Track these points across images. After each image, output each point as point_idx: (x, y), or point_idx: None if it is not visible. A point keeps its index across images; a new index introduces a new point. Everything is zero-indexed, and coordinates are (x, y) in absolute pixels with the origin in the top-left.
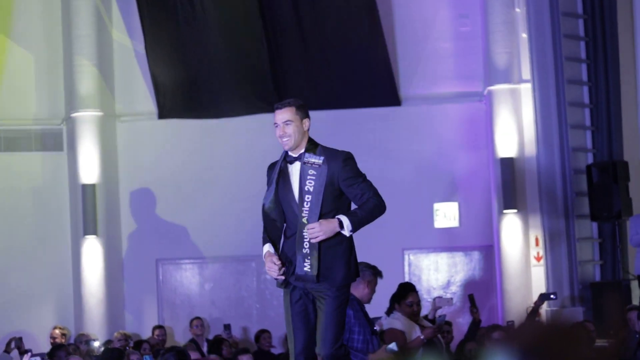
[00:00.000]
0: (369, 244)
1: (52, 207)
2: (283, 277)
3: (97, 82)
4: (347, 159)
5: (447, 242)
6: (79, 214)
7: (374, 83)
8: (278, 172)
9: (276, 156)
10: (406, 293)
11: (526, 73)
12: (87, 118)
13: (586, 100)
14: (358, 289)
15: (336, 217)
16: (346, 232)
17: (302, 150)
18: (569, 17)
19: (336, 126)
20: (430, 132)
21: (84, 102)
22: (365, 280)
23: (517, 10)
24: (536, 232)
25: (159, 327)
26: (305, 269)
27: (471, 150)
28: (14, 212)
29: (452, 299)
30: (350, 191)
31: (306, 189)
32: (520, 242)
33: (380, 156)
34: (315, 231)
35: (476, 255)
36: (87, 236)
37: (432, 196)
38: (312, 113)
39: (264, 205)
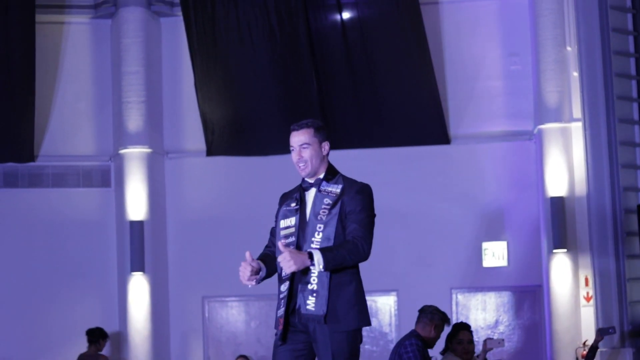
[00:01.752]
0: (416, 283)
1: (99, 243)
2: (252, 283)
3: (146, 118)
4: (362, 191)
5: (496, 281)
6: (126, 251)
7: (423, 121)
8: (299, 200)
9: None
10: (457, 331)
11: (577, 112)
12: (135, 154)
13: (637, 139)
14: (425, 330)
15: (306, 250)
16: (316, 267)
17: (320, 177)
18: (621, 55)
19: (384, 164)
20: (479, 171)
21: (132, 138)
22: (434, 323)
23: (569, 48)
24: (586, 272)
25: None
26: (309, 307)
27: (521, 189)
28: (61, 248)
29: (503, 340)
30: (347, 222)
31: (319, 218)
32: (569, 282)
33: (429, 194)
34: (286, 261)
35: (525, 295)
36: (134, 273)
37: (481, 235)
38: (360, 151)
39: (278, 231)
